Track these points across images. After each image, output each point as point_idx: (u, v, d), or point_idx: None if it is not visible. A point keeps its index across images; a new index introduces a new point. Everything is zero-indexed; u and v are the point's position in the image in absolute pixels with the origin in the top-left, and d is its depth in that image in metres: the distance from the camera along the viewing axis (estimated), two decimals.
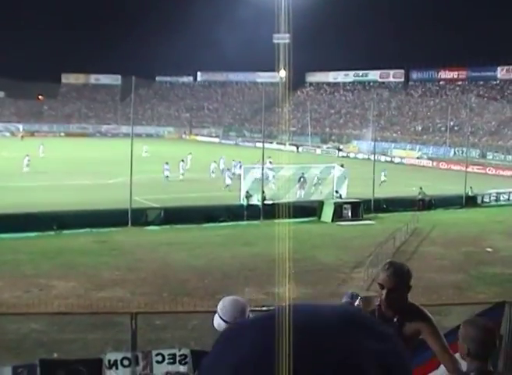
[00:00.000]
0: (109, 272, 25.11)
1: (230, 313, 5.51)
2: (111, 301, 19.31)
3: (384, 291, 5.37)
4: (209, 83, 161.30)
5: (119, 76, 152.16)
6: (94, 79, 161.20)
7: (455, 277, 26.06)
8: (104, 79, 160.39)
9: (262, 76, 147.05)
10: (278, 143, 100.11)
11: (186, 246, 30.42)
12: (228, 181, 49.84)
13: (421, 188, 45.82)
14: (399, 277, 5.39)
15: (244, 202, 40.34)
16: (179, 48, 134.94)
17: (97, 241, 31.12)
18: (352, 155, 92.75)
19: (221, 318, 5.55)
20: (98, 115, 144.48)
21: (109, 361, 10.47)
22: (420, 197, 45.14)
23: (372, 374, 1.09)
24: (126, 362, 10.54)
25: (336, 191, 43.44)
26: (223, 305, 5.60)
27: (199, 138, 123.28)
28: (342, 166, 49.77)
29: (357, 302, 5.62)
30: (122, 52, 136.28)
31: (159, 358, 10.60)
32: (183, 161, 58.45)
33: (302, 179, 47.02)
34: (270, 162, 52.75)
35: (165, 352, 10.73)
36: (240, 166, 48.74)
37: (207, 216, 37.48)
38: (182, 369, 10.07)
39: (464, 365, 5.07)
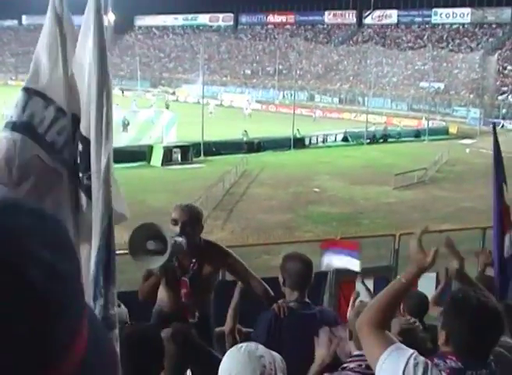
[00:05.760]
0: None
1: None
2: None
3: (178, 227, 5.34)
4: (35, 27, 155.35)
5: None
6: None
7: (284, 217, 26.51)
8: None
9: None
10: None
11: None
12: None
13: (245, 131, 46.15)
14: (192, 210, 5.45)
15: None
16: None
17: None
18: (182, 99, 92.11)
19: None
20: None
21: None
22: (245, 139, 45.54)
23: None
24: None
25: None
26: None
27: None
28: (167, 107, 49.28)
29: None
30: None
31: None
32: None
33: (129, 123, 46.25)
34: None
35: None
36: None
37: None
38: None
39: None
